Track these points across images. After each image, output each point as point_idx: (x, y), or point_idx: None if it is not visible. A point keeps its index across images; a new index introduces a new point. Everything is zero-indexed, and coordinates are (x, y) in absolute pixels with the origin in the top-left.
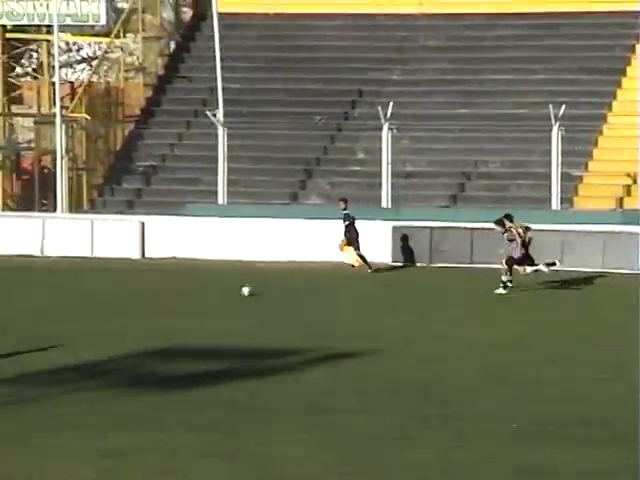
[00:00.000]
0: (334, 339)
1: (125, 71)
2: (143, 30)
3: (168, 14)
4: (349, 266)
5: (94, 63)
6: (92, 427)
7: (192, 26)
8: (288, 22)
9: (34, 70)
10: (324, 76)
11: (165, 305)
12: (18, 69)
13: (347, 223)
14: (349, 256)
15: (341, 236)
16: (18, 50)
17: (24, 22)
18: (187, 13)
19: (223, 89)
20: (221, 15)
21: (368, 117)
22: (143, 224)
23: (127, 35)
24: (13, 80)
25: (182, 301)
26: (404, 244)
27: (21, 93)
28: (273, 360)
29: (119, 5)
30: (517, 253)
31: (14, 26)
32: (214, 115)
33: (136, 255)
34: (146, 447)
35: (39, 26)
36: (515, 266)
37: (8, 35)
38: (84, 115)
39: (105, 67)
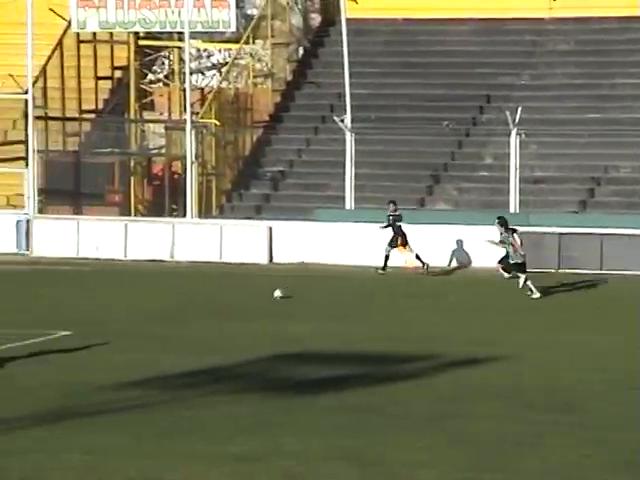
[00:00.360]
0: (457, 345)
1: (254, 77)
2: (272, 36)
3: (297, 20)
4: (406, 268)
5: (224, 69)
6: (223, 430)
7: (320, 32)
8: (416, 27)
9: (165, 77)
10: (452, 81)
11: (292, 310)
12: (150, 76)
13: (398, 225)
14: (408, 258)
15: (405, 241)
16: (150, 57)
17: (156, 29)
18: (315, 19)
19: (351, 94)
20: (349, 21)
21: (496, 122)
22: (271, 229)
23: (256, 41)
24: (145, 87)
25: (309, 306)
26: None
27: (152, 99)
28: (400, 365)
29: (249, 12)
30: (515, 258)
31: (146, 33)
32: (342, 120)
33: (264, 260)
34: (276, 451)
35: (171, 33)
36: (502, 270)
37: (141, 42)
38: (214, 121)
39: (234, 73)
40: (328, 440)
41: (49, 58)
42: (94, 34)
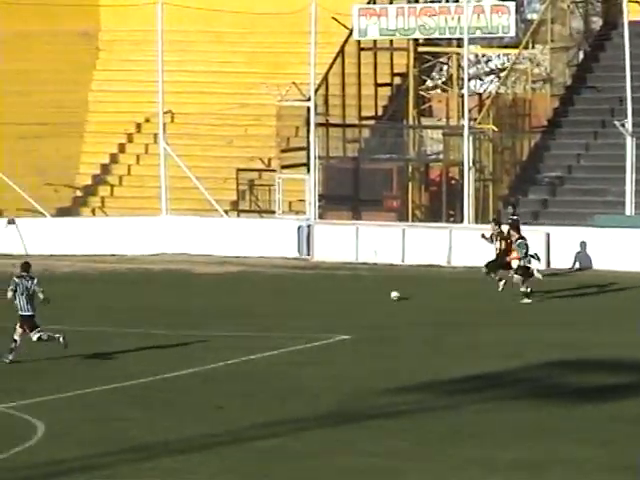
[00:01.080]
0: None
1: (532, 82)
2: (552, 41)
3: (577, 24)
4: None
5: (502, 74)
6: (499, 437)
7: (601, 35)
8: None
9: (444, 83)
10: None
11: (573, 317)
12: (428, 82)
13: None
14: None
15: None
16: (429, 63)
17: (435, 36)
18: (597, 22)
19: (632, 98)
20: (632, 23)
21: None
22: (548, 235)
23: (536, 46)
24: (423, 93)
25: (587, 314)
26: None
27: (431, 105)
28: None
29: (528, 16)
30: (525, 262)
31: (426, 40)
32: (622, 125)
33: (541, 266)
34: (549, 460)
35: (450, 39)
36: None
37: (420, 49)
38: (491, 126)
39: (513, 78)
40: (605, 451)
41: (331, 66)
42: (374, 41)
